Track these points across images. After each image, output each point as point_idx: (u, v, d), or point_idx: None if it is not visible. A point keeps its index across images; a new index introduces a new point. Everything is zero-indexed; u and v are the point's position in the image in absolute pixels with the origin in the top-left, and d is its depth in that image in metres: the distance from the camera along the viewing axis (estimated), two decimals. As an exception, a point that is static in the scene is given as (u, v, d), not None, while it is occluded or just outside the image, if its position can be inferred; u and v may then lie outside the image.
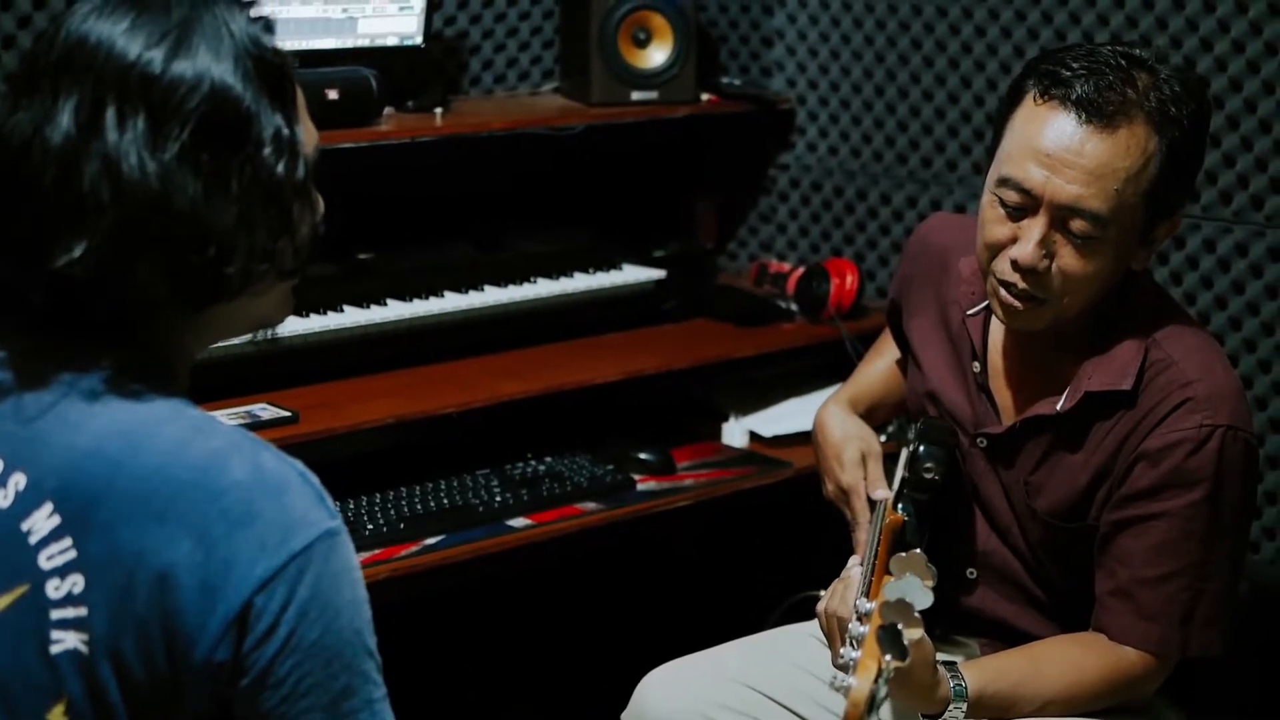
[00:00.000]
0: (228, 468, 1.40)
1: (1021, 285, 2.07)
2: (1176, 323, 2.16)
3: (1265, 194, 2.80)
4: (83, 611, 1.38)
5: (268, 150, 1.43)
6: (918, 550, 1.80)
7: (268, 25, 1.48)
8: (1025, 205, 2.05)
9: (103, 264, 1.39)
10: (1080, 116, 2.01)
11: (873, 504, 2.29)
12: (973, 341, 2.25)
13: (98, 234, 1.38)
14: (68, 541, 1.39)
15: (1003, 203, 2.07)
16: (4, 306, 1.46)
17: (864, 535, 2.28)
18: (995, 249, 2.09)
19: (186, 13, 1.43)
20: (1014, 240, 2.07)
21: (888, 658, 1.67)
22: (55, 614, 1.39)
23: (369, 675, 1.43)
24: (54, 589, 1.39)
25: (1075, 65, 2.04)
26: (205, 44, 1.42)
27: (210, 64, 1.41)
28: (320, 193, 1.52)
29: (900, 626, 1.70)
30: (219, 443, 1.42)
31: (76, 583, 1.38)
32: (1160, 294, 2.22)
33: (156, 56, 1.40)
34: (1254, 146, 2.80)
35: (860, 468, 2.36)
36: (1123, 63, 2.05)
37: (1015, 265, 2.06)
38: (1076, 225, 2.03)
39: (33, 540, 1.40)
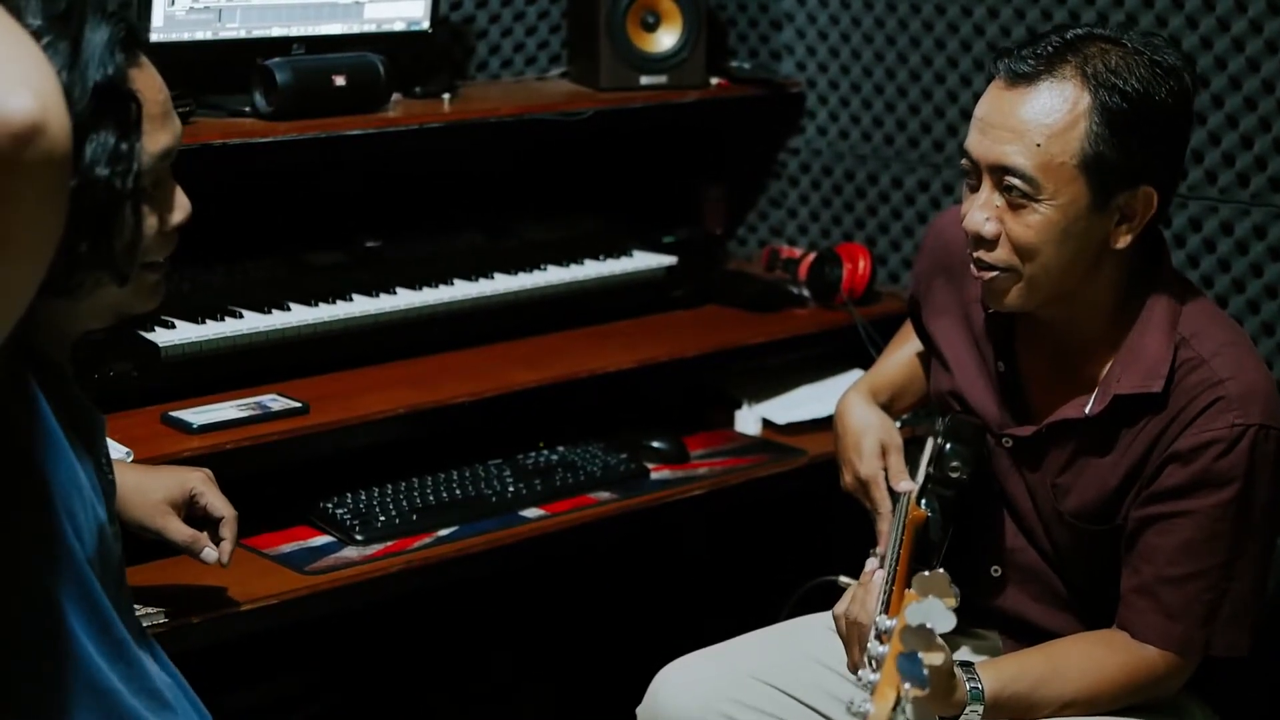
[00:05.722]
0: None
1: (976, 254, 2.07)
2: (1204, 317, 2.11)
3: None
4: None
5: (99, 166, 1.50)
6: (941, 570, 1.76)
7: (127, 41, 1.53)
8: (974, 173, 2.07)
9: None
10: (1008, 81, 2.04)
11: (895, 495, 2.26)
12: (996, 341, 2.23)
13: None
14: None
15: (966, 181, 2.10)
16: None
17: (886, 526, 2.25)
18: (965, 227, 2.10)
19: (43, 25, 1.48)
20: None
21: (907, 685, 1.65)
22: None
23: None
24: None
25: (1028, 44, 2.07)
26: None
27: None
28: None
29: (920, 654, 1.67)
30: None
31: None
32: (1184, 285, 2.17)
33: None
34: (1272, 128, 2.77)
35: (879, 459, 2.32)
36: (1073, 36, 2.05)
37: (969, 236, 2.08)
38: (1009, 183, 2.03)
39: None
